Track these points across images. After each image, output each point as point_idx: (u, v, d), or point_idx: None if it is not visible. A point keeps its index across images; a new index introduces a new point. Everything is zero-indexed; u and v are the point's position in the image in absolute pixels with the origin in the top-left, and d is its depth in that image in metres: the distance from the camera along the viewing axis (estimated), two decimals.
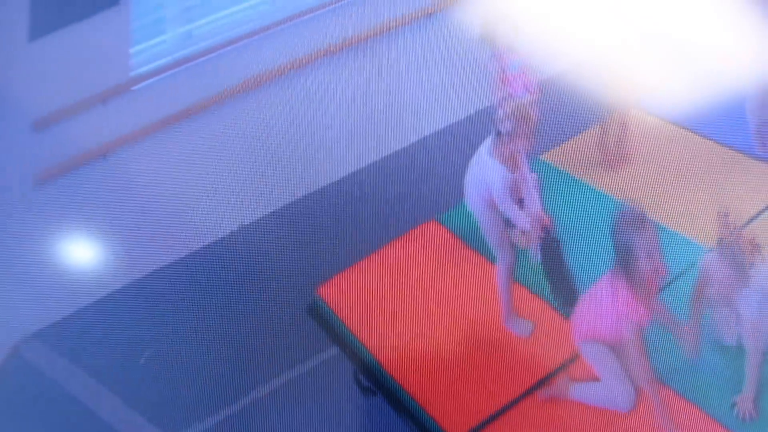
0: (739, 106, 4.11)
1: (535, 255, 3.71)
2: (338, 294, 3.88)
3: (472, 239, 3.93)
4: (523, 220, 3.44)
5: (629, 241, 2.99)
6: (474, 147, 3.55)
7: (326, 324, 3.84)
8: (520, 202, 3.53)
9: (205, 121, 4.34)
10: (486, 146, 3.45)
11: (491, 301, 3.66)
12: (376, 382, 3.57)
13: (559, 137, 4.35)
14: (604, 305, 3.09)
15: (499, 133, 3.38)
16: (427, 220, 4.15)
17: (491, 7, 3.78)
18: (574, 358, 3.40)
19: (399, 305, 3.78)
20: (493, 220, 3.50)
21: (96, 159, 4.15)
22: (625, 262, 3.02)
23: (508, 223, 3.98)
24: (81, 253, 4.02)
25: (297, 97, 4.46)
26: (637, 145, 4.26)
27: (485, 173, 3.42)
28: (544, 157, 4.36)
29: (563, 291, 3.56)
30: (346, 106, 4.42)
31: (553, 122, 4.13)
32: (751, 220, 3.77)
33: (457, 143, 4.39)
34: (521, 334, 3.58)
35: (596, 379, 3.24)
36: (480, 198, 3.48)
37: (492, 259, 3.86)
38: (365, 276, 3.94)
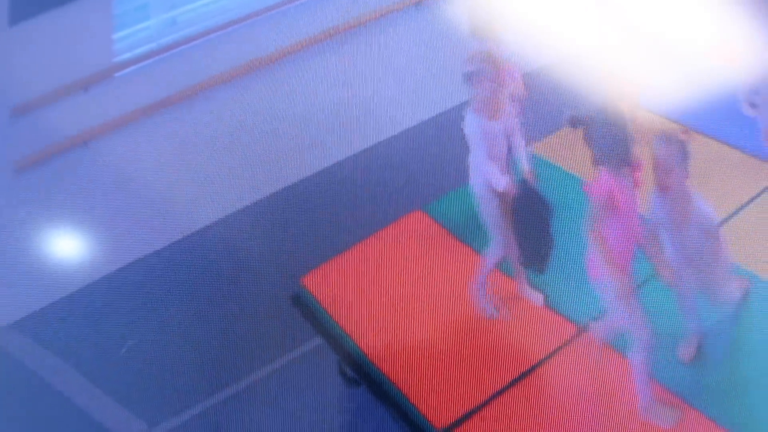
0: (729, 100, 4.13)
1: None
2: (323, 284, 3.87)
3: (457, 229, 3.91)
4: (497, 177, 3.35)
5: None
6: (460, 138, 3.53)
7: (311, 314, 3.82)
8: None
9: (188, 110, 4.30)
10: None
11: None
12: (360, 372, 3.56)
13: (548, 129, 4.35)
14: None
15: (466, 78, 3.33)
16: (413, 210, 4.14)
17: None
18: (560, 348, 3.41)
19: (384, 295, 3.77)
20: (488, 197, 3.43)
21: (77, 146, 4.10)
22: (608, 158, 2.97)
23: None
24: (61, 242, 3.98)
25: (282, 87, 4.44)
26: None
27: (466, 129, 3.37)
28: (533, 148, 4.35)
29: (531, 249, 3.52)
30: (332, 96, 4.40)
31: (542, 114, 4.13)
32: (737, 211, 3.79)
33: (443, 134, 4.39)
34: (489, 316, 3.57)
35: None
36: (476, 179, 3.43)
37: (478, 250, 3.85)
38: (350, 266, 3.93)
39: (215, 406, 3.61)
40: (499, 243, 3.53)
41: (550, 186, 4.15)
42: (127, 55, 4.20)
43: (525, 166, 3.48)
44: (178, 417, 3.57)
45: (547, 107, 4.23)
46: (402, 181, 4.18)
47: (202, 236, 4.18)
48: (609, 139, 2.95)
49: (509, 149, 3.48)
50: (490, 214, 3.48)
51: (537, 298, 3.61)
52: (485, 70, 3.31)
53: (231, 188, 4.25)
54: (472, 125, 3.36)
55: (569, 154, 4.31)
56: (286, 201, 4.29)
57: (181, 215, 4.17)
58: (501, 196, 3.45)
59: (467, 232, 3.81)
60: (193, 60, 4.28)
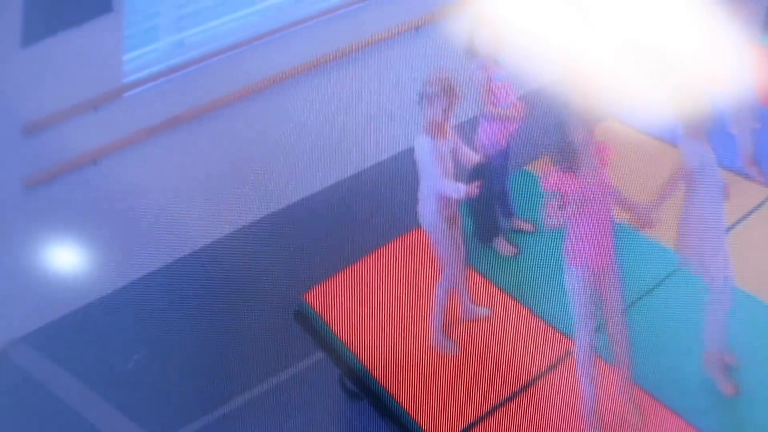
0: (721, 120, 4.20)
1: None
2: (325, 300, 3.91)
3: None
4: (454, 188, 3.42)
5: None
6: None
7: (313, 329, 3.85)
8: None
9: (195, 129, 4.35)
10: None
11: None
12: (362, 386, 3.59)
13: (544, 148, 4.41)
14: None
15: (420, 98, 3.40)
16: (414, 228, 4.19)
17: (478, 21, 3.85)
18: (558, 362, 3.46)
19: (386, 311, 3.81)
20: (442, 227, 3.49)
21: (86, 165, 4.15)
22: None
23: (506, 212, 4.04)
24: (69, 258, 4.02)
25: (286, 106, 4.50)
26: (619, 156, 4.32)
27: (417, 153, 3.43)
28: (529, 167, 4.43)
29: (482, 221, 3.60)
30: (335, 115, 4.46)
31: (538, 133, 4.21)
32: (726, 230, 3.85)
33: None
34: (447, 352, 3.59)
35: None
36: (428, 208, 3.49)
37: (479, 268, 3.92)
38: (352, 282, 3.97)
39: (219, 419, 3.63)
40: (450, 275, 3.57)
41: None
42: (136, 76, 4.26)
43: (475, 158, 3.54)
44: (183, 430, 3.60)
45: (543, 127, 4.31)
46: (403, 200, 4.24)
47: (207, 252, 4.22)
48: (560, 140, 3.06)
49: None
50: (442, 244, 3.53)
51: (483, 312, 3.66)
52: (440, 96, 3.37)
53: (236, 206, 4.30)
54: (424, 147, 3.40)
55: None
56: (289, 218, 4.34)
57: (187, 232, 4.22)
58: (452, 222, 3.52)
59: (467, 250, 3.87)
60: (200, 81, 4.34)
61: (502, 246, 4.04)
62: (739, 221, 3.88)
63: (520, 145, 4.06)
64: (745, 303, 3.42)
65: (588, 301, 3.11)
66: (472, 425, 3.31)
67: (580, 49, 4.24)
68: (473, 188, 3.39)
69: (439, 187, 3.42)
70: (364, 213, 4.14)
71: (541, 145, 4.36)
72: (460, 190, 3.41)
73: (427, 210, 3.50)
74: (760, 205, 4.01)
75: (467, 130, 3.93)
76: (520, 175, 4.28)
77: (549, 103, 4.08)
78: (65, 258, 4.00)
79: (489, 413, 3.34)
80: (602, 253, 3.10)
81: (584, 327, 3.12)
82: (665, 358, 3.35)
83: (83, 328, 3.95)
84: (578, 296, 3.12)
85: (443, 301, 3.60)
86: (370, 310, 3.82)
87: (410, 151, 3.57)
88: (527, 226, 4.13)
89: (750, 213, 3.95)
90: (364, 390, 3.57)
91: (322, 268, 4.02)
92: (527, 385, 3.41)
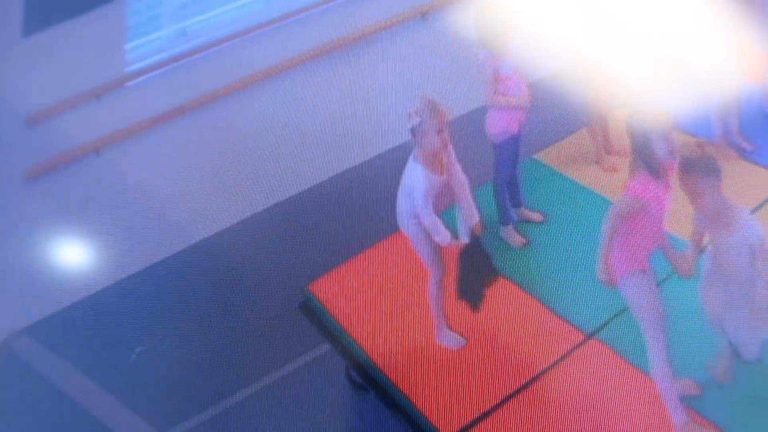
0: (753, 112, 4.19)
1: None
2: (330, 291, 3.88)
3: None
4: (442, 232, 3.33)
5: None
6: (464, 148, 3.55)
7: (318, 321, 3.83)
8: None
9: (198, 119, 4.34)
10: (411, 155, 3.37)
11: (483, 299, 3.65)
12: (368, 379, 3.56)
13: (552, 137, 4.37)
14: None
15: (412, 132, 3.29)
16: None
17: (486, 9, 3.80)
18: (567, 355, 3.41)
19: (391, 302, 3.79)
20: (423, 235, 3.41)
21: (89, 155, 4.14)
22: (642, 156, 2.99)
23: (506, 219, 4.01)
24: (72, 249, 4.01)
25: (291, 95, 4.47)
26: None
27: (410, 179, 3.34)
28: (538, 156, 4.38)
29: (472, 291, 3.54)
30: (340, 104, 4.43)
31: (546, 122, 4.16)
32: None
33: None
34: (453, 346, 3.55)
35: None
36: (407, 213, 3.40)
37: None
38: (357, 273, 3.94)
39: (224, 412, 3.61)
40: (437, 267, 3.50)
41: (553, 193, 4.19)
42: (138, 65, 4.25)
43: (475, 217, 3.44)
44: (187, 423, 3.57)
45: (552, 116, 4.26)
46: None
47: (211, 244, 4.20)
48: (646, 145, 2.96)
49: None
50: (425, 251, 3.47)
51: (458, 341, 3.58)
52: (429, 122, 3.24)
53: (240, 196, 4.27)
54: (418, 178, 3.29)
55: (572, 162, 4.34)
56: (295, 208, 4.31)
57: (191, 223, 4.19)
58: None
59: None
60: (203, 70, 4.32)
61: (512, 236, 3.99)
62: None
63: (528, 134, 4.01)
64: None
65: (656, 304, 3.02)
66: (479, 418, 3.28)
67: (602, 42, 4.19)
68: (458, 246, 3.35)
69: (427, 222, 3.34)
70: (370, 204, 4.09)
71: (549, 133, 4.32)
72: (445, 237, 3.34)
73: (403, 216, 3.44)
74: None
75: (476, 118, 3.90)
76: (528, 164, 4.23)
77: (556, 93, 4.05)
78: (67, 249, 3.98)
79: (497, 406, 3.31)
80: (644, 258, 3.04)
81: (658, 335, 3.02)
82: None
83: (85, 320, 3.93)
84: (644, 301, 3.03)
85: (437, 299, 3.55)
86: (375, 302, 3.80)
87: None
88: (536, 216, 4.08)
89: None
90: (371, 382, 3.54)
91: (327, 260, 3.99)
92: (536, 378, 3.39)
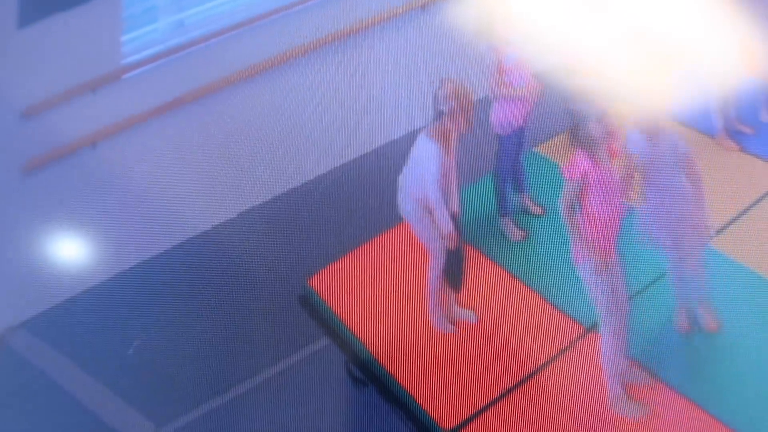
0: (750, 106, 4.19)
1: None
2: (330, 285, 3.88)
3: (465, 231, 3.92)
4: (445, 218, 3.40)
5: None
6: (464, 138, 3.54)
7: (317, 315, 3.82)
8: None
9: (195, 111, 4.31)
10: (423, 133, 3.44)
11: (481, 292, 3.67)
12: (367, 373, 3.56)
13: (553, 130, 4.36)
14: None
15: (441, 114, 3.38)
16: None
17: (486, 0, 3.78)
18: (566, 349, 3.41)
19: (390, 296, 3.78)
20: (428, 221, 3.47)
21: (85, 148, 4.11)
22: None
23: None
24: (69, 242, 3.99)
25: (288, 89, 4.44)
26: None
27: (421, 158, 3.39)
28: (538, 149, 4.37)
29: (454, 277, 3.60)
30: (338, 98, 4.40)
31: (547, 115, 4.14)
32: (742, 213, 3.79)
33: None
34: (444, 330, 3.59)
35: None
36: (413, 194, 3.45)
37: (483, 251, 3.87)
38: (357, 267, 3.94)
39: (223, 405, 3.60)
40: (435, 254, 3.54)
41: (554, 186, 4.17)
42: (135, 57, 4.21)
43: (456, 203, 3.51)
44: (185, 417, 3.57)
45: (553, 109, 4.24)
46: None
47: (209, 237, 4.18)
48: (578, 120, 3.04)
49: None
50: (422, 232, 3.52)
51: (469, 316, 3.63)
52: (461, 105, 3.36)
53: (238, 189, 4.25)
54: (432, 152, 3.37)
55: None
56: (293, 202, 4.29)
57: (189, 216, 4.17)
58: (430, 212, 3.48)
59: (470, 233, 3.82)
60: (200, 62, 4.29)
61: (511, 230, 3.98)
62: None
63: (529, 127, 4.00)
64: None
65: (608, 291, 3.06)
66: (479, 412, 3.28)
67: (590, 36, 4.18)
68: (452, 240, 3.39)
69: (436, 203, 3.39)
70: (368, 197, 4.08)
71: (549, 126, 4.30)
72: (448, 224, 3.40)
73: (408, 198, 3.48)
74: None
75: (477, 110, 3.88)
76: (529, 157, 4.22)
77: (557, 86, 4.03)
78: (64, 243, 3.96)
79: (497, 399, 3.31)
80: (608, 242, 3.07)
81: (610, 320, 3.07)
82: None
83: (83, 314, 3.92)
84: (597, 287, 3.06)
85: (435, 285, 3.58)
86: (374, 296, 3.79)
87: (415, 132, 3.52)
88: (537, 209, 4.07)
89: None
90: (370, 376, 3.54)
91: (326, 253, 3.98)
92: (535, 371, 3.38)
